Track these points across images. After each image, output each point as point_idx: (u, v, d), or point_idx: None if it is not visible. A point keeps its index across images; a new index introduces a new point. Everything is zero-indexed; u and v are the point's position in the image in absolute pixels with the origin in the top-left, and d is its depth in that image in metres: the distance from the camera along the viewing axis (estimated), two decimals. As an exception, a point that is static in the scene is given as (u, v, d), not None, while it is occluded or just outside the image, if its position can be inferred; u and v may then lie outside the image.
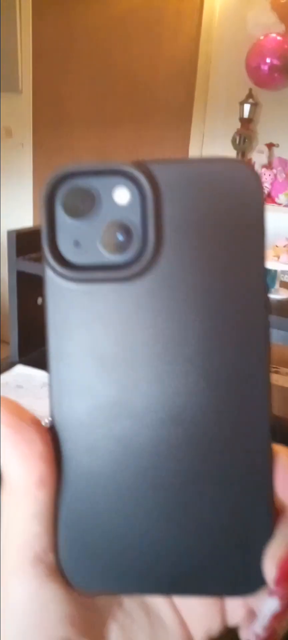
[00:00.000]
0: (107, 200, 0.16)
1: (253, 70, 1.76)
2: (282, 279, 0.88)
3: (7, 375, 0.78)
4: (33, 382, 0.76)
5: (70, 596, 0.16)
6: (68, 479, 0.16)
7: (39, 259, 0.82)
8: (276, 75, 1.73)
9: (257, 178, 0.16)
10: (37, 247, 0.85)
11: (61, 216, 0.16)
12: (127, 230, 0.16)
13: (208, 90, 1.92)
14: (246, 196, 0.16)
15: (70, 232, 0.16)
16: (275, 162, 1.81)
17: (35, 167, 2.21)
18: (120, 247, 0.16)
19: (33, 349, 0.85)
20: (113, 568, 0.17)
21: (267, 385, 0.16)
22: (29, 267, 0.83)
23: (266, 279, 0.17)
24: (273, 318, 0.71)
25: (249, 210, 0.16)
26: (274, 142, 1.82)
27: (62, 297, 0.16)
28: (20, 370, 0.80)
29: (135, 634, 0.18)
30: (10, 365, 0.82)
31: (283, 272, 0.89)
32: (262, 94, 1.80)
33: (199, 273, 0.16)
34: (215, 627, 0.18)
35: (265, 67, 1.71)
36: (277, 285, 0.86)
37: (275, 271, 0.83)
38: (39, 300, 0.87)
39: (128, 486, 0.16)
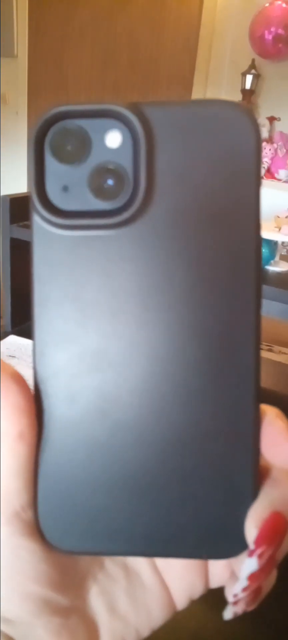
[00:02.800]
0: (98, 144, 0.15)
1: (257, 40, 1.72)
2: (282, 253, 0.85)
3: (0, 345, 0.76)
4: (26, 352, 0.75)
5: (48, 555, 0.16)
6: (48, 433, 0.16)
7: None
8: (280, 45, 1.69)
9: (254, 123, 0.15)
10: None
11: (50, 160, 0.15)
12: (117, 175, 0.15)
13: (210, 59, 1.87)
14: (241, 142, 0.15)
15: (58, 176, 0.15)
16: (276, 137, 1.77)
17: (31, 136, 2.15)
18: (110, 193, 0.15)
19: (26, 319, 0.83)
20: (92, 527, 0.16)
21: (256, 341, 0.16)
22: (23, 234, 0.81)
23: (260, 231, 0.16)
24: (272, 290, 0.69)
25: (244, 158, 0.15)
26: (276, 115, 1.78)
27: (48, 243, 0.15)
28: (13, 340, 0.78)
29: (115, 596, 0.18)
30: (3, 335, 0.80)
31: (284, 244, 0.86)
32: (265, 66, 1.76)
33: (190, 223, 0.15)
34: (197, 590, 0.18)
35: (270, 37, 1.67)
36: (277, 257, 0.83)
37: (276, 242, 0.81)
38: (33, 270, 0.84)
39: (108, 440, 0.16)
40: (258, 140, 0.15)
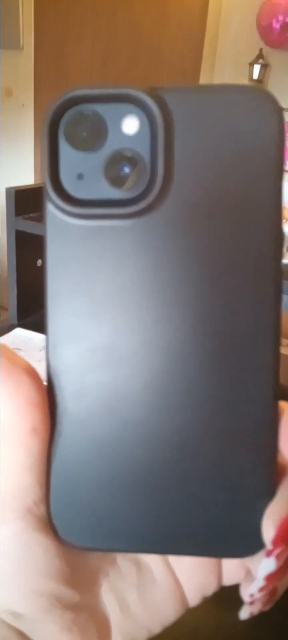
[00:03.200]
0: (114, 130, 0.15)
1: (264, 29, 1.70)
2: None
3: (6, 338, 0.76)
4: (32, 345, 0.74)
5: (60, 550, 0.16)
6: (61, 428, 0.16)
7: (39, 219, 0.80)
8: (288, 35, 1.67)
9: (278, 110, 0.14)
10: (37, 207, 0.82)
11: (64, 146, 0.15)
12: (133, 163, 0.15)
13: (216, 50, 1.85)
14: (264, 130, 0.14)
15: (73, 164, 0.15)
16: (286, 127, 1.75)
17: (37, 129, 2.15)
18: (126, 181, 0.15)
19: (32, 312, 0.83)
20: (104, 524, 0.16)
21: (275, 337, 0.15)
22: (29, 226, 0.80)
23: (281, 225, 0.15)
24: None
25: (267, 147, 0.14)
26: (284, 106, 1.73)
27: (62, 233, 0.15)
28: (19, 333, 0.78)
29: (126, 592, 0.18)
30: (9, 328, 0.80)
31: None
32: (272, 55, 1.74)
33: (209, 215, 0.15)
34: (210, 587, 0.18)
35: (277, 26, 1.65)
36: (285, 249, 0.82)
37: (284, 234, 0.80)
38: (39, 262, 0.84)
39: (118, 437, 0.16)
40: (282, 128, 0.14)
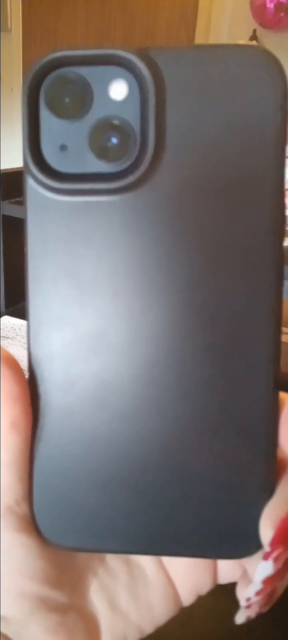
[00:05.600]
0: (100, 96, 0.13)
1: (257, 9, 1.67)
2: None
3: (-7, 326, 0.74)
4: (20, 333, 0.73)
5: (44, 551, 0.15)
6: (44, 421, 0.15)
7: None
8: (282, 14, 1.65)
9: (281, 73, 0.13)
10: None
11: (45, 114, 0.14)
12: (122, 132, 0.13)
13: (209, 32, 1.82)
14: (266, 97, 0.13)
15: (55, 134, 0.14)
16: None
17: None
18: (113, 153, 0.14)
19: (20, 299, 0.81)
20: (92, 523, 0.15)
21: (275, 325, 0.14)
22: (16, 211, 0.78)
23: (284, 204, 0.14)
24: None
25: (270, 116, 0.13)
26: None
27: (44, 211, 0.14)
28: (7, 321, 0.76)
29: (116, 592, 0.17)
30: (-3, 315, 0.78)
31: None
32: (266, 36, 1.71)
33: (204, 191, 0.14)
34: (205, 586, 0.17)
35: (271, 5, 1.62)
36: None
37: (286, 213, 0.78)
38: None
39: (107, 431, 0.15)
40: (285, 92, 0.13)
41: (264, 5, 1.64)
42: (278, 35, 1.70)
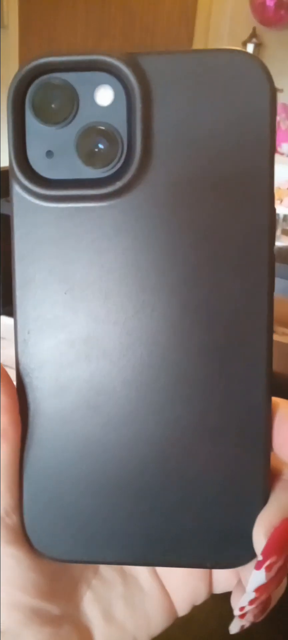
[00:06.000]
0: (86, 101, 0.13)
1: (257, 7, 1.67)
2: (284, 227, 0.81)
3: (-11, 327, 0.73)
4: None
5: (36, 562, 0.15)
6: (34, 430, 0.14)
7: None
8: (282, 12, 1.64)
9: (268, 76, 0.13)
10: None
11: (31, 121, 0.13)
12: (108, 138, 0.13)
13: (209, 30, 1.81)
14: (254, 99, 0.13)
15: (41, 140, 0.14)
16: (279, 109, 1.72)
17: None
18: (100, 158, 0.13)
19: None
20: (84, 533, 0.15)
21: (268, 327, 0.14)
22: None
23: (274, 202, 0.14)
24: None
25: (257, 117, 0.13)
26: (278, 86, 1.71)
27: (31, 217, 0.14)
28: (3, 321, 0.75)
29: (110, 602, 0.17)
30: (-7, 316, 0.76)
31: (287, 218, 0.82)
32: (266, 34, 1.71)
33: (193, 193, 0.13)
34: (200, 596, 0.17)
35: (271, 3, 1.62)
36: (278, 232, 0.79)
37: (277, 215, 0.77)
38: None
39: (101, 437, 0.14)
40: (273, 96, 0.13)
41: (264, 3, 1.63)
42: (278, 33, 1.69)
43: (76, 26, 2.01)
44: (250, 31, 1.71)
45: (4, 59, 2.08)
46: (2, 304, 0.79)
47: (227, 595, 0.17)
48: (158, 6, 1.88)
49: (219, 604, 0.18)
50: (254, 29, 1.71)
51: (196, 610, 0.18)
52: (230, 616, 0.16)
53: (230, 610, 0.16)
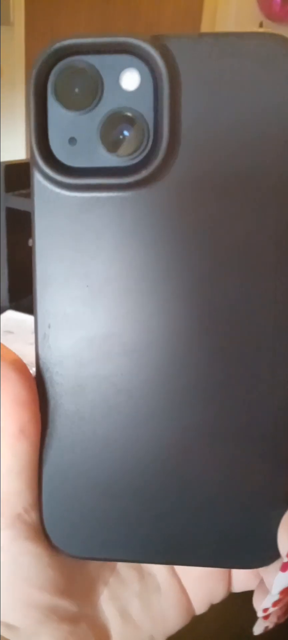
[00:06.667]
0: (111, 86, 0.13)
1: (264, 1, 1.67)
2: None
3: (-4, 321, 0.73)
4: (24, 328, 0.71)
5: (55, 559, 0.15)
6: (53, 427, 0.14)
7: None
8: (289, 7, 1.63)
9: None
10: (29, 182, 0.79)
11: (54, 106, 0.13)
12: (134, 124, 0.13)
13: (215, 24, 1.81)
14: (285, 84, 0.12)
15: (64, 126, 0.13)
16: None
17: (28, 108, 2.10)
18: (125, 146, 0.13)
19: (24, 293, 0.79)
20: (103, 531, 0.15)
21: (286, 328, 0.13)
22: (20, 203, 0.78)
23: None
24: None
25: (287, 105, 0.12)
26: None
27: (52, 207, 0.13)
28: (11, 316, 0.75)
29: (127, 601, 0.17)
30: (0, 310, 0.77)
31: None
32: (273, 29, 1.69)
33: (221, 188, 0.13)
34: (218, 595, 0.17)
35: (278, -2, 1.61)
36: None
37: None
38: (30, 242, 0.81)
39: (120, 437, 0.14)
40: None
41: (271, -2, 1.63)
42: (286, 28, 1.68)
43: (80, 22, 2.01)
44: (257, 26, 1.71)
45: (9, 57, 2.08)
46: (9, 298, 0.79)
47: (235, 594, 0.17)
48: (163, 3, 1.87)
49: (227, 602, 0.18)
50: (261, 24, 1.70)
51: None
52: (238, 615, 0.16)
53: (239, 609, 0.16)
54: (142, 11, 1.91)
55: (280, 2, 1.63)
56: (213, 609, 0.17)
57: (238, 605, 0.16)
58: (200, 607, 0.17)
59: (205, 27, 1.83)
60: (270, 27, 1.70)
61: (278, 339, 0.14)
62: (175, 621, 0.17)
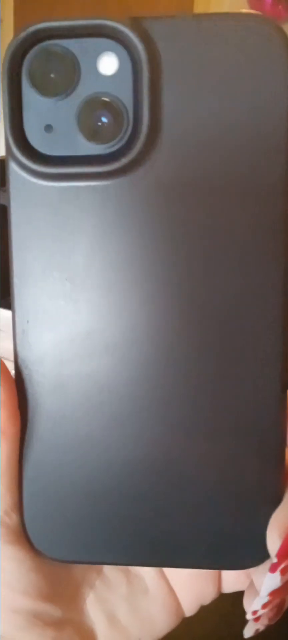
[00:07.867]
0: (88, 71, 0.12)
1: (255, 2, 1.67)
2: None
3: (-14, 319, 0.72)
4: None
5: (37, 563, 0.15)
6: (33, 427, 0.14)
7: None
8: (280, 7, 1.64)
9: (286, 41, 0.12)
10: None
11: (29, 92, 0.13)
12: (113, 110, 0.12)
13: (206, 24, 1.83)
14: (272, 71, 0.12)
15: (40, 113, 0.13)
16: None
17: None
18: (104, 133, 0.13)
19: (15, 291, 0.78)
20: (86, 533, 0.15)
21: (284, 321, 0.13)
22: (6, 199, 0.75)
23: None
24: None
25: (275, 92, 0.12)
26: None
27: (29, 197, 0.13)
28: (2, 314, 0.74)
29: (114, 604, 0.17)
30: (-10, 308, 0.76)
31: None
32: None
33: (204, 174, 0.12)
34: (208, 596, 0.17)
35: (269, -2, 1.62)
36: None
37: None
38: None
39: (103, 436, 0.14)
40: None
41: (262, -3, 1.64)
42: (276, 28, 1.71)
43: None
44: (247, 26, 1.74)
45: (0, 53, 2.07)
46: (0, 296, 0.78)
47: (228, 594, 0.17)
48: (156, 1, 1.89)
49: (220, 600, 0.18)
50: (252, 24, 1.73)
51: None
52: (231, 614, 0.16)
53: (232, 608, 0.16)
54: (134, 10, 1.92)
55: (270, 2, 1.64)
56: (205, 609, 0.17)
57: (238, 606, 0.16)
58: (189, 609, 0.17)
59: (196, 26, 1.85)
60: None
61: (267, 335, 0.13)
62: (164, 624, 0.17)
